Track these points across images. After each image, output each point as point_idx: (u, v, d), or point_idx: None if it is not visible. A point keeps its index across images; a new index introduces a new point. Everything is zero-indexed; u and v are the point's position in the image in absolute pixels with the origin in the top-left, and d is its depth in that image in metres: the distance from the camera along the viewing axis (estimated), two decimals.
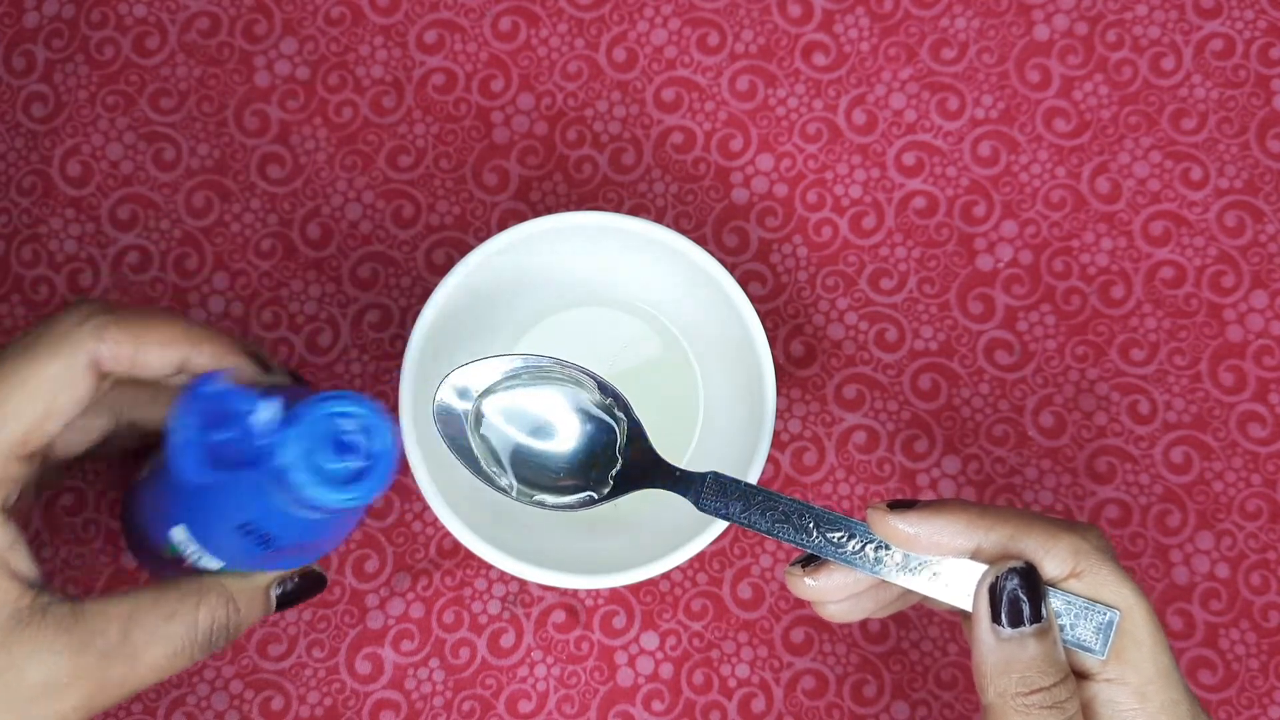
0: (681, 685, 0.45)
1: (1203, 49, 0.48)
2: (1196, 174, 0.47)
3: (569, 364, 0.37)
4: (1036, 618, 0.31)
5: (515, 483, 0.37)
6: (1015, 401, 0.47)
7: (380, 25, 0.48)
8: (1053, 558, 0.31)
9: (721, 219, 0.47)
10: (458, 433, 0.37)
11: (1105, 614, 0.31)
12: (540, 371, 0.37)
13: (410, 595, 0.46)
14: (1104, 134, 0.47)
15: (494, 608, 0.46)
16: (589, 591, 0.46)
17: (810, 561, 0.35)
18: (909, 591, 0.35)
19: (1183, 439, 0.46)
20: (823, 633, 0.46)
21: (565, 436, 0.38)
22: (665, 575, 0.46)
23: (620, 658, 0.46)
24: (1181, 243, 0.47)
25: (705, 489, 0.36)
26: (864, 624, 0.46)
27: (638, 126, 0.48)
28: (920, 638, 0.45)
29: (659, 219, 0.47)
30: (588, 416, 0.38)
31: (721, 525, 0.39)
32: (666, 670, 0.46)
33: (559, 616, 0.46)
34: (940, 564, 0.33)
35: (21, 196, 0.47)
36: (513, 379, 0.37)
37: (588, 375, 0.37)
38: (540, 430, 0.38)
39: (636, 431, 0.37)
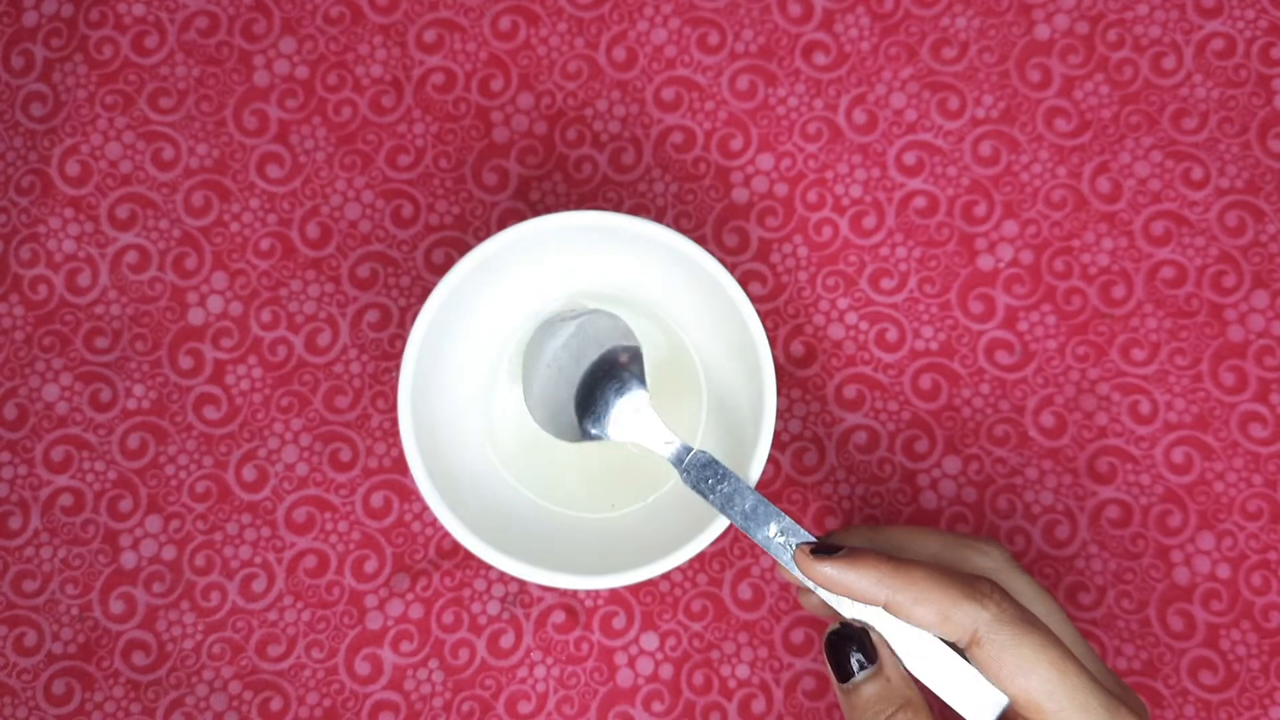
0: (681, 686, 0.45)
1: (1204, 48, 0.48)
2: (1197, 174, 0.47)
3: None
4: (866, 665, 0.34)
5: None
6: (1016, 401, 0.46)
7: (379, 24, 0.48)
8: (951, 624, 0.32)
9: (721, 219, 0.47)
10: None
11: (992, 696, 0.33)
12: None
13: (409, 596, 0.46)
14: (1105, 133, 0.47)
15: (493, 608, 0.46)
16: (589, 592, 0.46)
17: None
18: None
19: (1184, 439, 0.46)
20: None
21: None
22: (665, 576, 0.46)
23: (620, 658, 0.45)
24: (1182, 242, 0.47)
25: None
26: None
27: (637, 126, 0.48)
28: None
29: (659, 219, 0.47)
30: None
31: (722, 525, 0.39)
32: (666, 671, 0.45)
33: (559, 617, 0.46)
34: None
35: (20, 196, 0.47)
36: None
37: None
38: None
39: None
